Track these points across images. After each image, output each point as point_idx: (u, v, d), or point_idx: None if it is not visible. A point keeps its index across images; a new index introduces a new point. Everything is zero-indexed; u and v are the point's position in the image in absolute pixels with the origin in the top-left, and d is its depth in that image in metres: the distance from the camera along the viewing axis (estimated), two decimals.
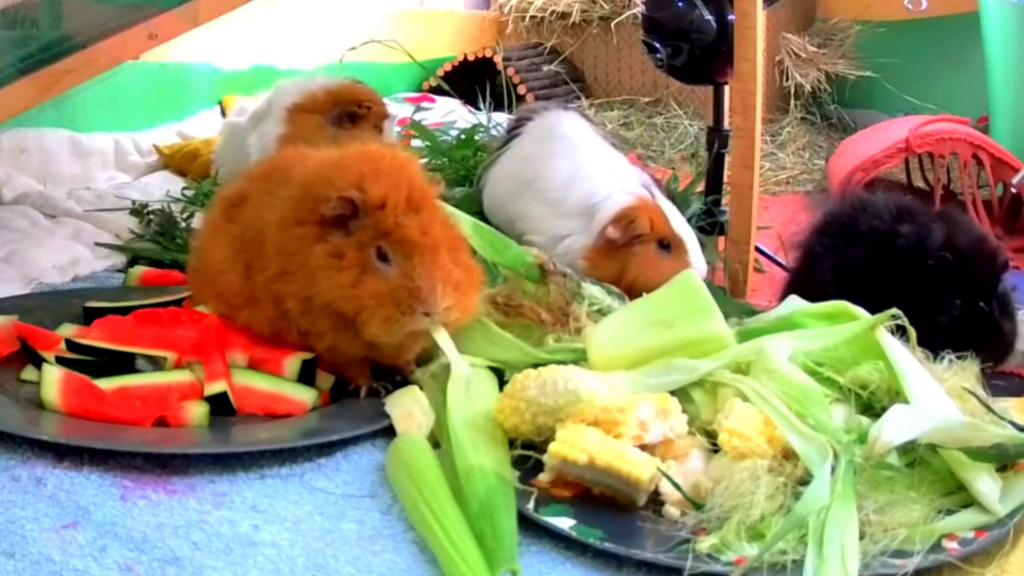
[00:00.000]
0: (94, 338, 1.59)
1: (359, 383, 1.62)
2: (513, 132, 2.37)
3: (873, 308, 1.51)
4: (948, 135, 2.93)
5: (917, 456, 1.34)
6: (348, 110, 2.45)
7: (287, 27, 3.78)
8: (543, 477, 1.37)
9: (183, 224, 2.35)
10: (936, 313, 1.66)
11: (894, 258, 1.72)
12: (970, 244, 1.71)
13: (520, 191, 2.16)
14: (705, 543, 1.23)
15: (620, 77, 4.55)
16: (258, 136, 2.49)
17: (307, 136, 2.37)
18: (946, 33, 4.02)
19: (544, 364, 1.50)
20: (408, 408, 1.51)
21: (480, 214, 2.20)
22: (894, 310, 1.46)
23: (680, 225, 1.99)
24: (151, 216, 2.40)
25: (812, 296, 1.66)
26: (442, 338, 1.52)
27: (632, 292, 1.79)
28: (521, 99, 4.15)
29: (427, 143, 2.76)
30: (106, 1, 2.42)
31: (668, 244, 1.96)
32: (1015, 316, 1.73)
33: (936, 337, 1.56)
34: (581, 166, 2.10)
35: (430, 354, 1.59)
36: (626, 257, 1.94)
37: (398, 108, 3.16)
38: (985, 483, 1.30)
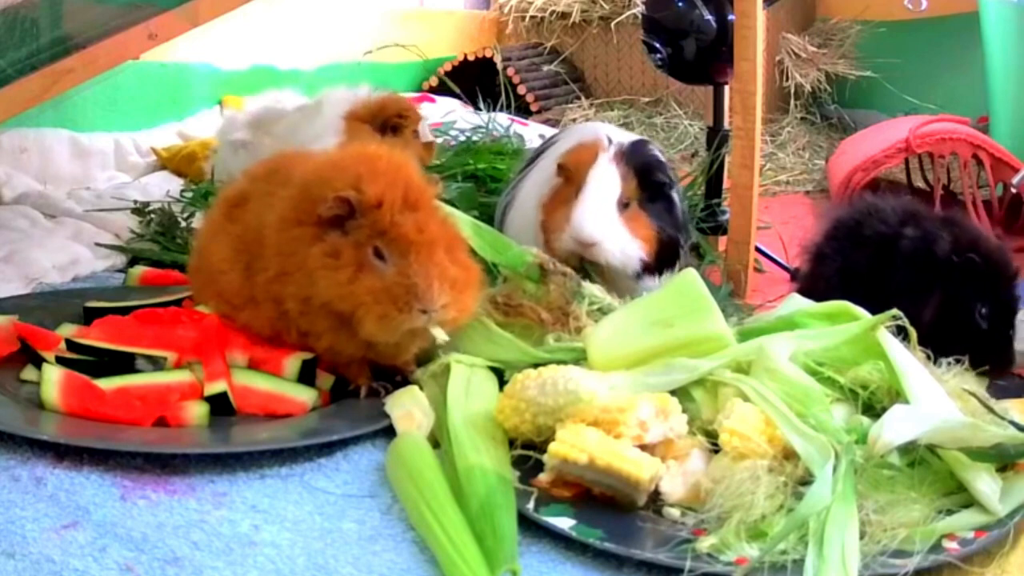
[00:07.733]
0: (94, 338, 1.59)
1: (359, 383, 1.62)
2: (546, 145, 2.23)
3: (876, 310, 1.51)
4: (948, 135, 2.92)
5: (917, 456, 1.34)
6: (391, 122, 2.51)
7: (287, 27, 3.78)
8: (543, 477, 1.37)
9: (184, 224, 2.35)
10: (947, 317, 1.66)
11: (896, 261, 1.72)
12: (988, 249, 1.70)
13: None
14: (705, 543, 1.23)
15: (620, 77, 4.55)
16: (316, 145, 2.46)
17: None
18: (946, 33, 4.02)
19: (544, 364, 1.50)
20: (408, 408, 1.51)
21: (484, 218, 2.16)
22: (894, 310, 1.46)
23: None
24: (152, 216, 2.40)
25: (820, 298, 1.65)
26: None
27: None
28: (521, 99, 4.15)
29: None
30: (106, 1, 2.41)
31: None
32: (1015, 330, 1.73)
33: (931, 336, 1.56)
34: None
35: (430, 354, 1.59)
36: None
37: None
38: (985, 483, 1.30)
